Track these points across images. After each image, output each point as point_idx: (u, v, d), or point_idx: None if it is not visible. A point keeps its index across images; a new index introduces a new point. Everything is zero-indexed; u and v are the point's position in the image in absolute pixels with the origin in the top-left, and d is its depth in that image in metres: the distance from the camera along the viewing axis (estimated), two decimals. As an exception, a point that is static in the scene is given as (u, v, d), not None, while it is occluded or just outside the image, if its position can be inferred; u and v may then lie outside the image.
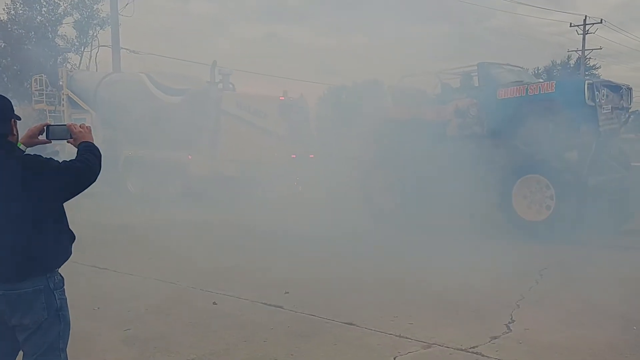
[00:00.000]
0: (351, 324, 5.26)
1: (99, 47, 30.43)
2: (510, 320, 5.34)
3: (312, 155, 14.18)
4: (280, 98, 14.37)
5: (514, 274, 7.17)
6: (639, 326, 5.19)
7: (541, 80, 10.54)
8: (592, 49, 40.24)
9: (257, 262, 7.79)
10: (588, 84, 9.71)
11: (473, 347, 4.63)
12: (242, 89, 15.13)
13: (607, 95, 9.85)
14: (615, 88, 10.21)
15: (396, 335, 4.94)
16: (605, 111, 9.80)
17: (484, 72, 11.03)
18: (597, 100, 9.63)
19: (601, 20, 39.10)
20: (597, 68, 43.97)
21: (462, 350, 4.59)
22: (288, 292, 6.29)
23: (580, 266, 7.83)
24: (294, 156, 13.85)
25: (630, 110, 10.87)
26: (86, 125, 2.95)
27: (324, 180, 13.31)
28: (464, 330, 5.04)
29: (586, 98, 9.54)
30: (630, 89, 10.67)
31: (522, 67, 12.07)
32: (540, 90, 10.14)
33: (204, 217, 11.66)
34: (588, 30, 39.74)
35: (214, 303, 5.93)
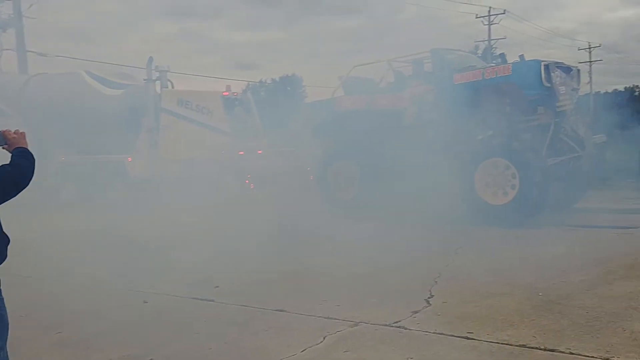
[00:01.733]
0: (281, 310, 5.48)
1: (1, 50, 28.95)
2: (429, 296, 5.72)
3: (260, 151, 13.92)
4: (224, 94, 14.09)
5: (434, 253, 7.63)
6: (544, 292, 5.70)
7: (494, 64, 10.67)
8: (498, 39, 42.33)
9: (187, 260, 7.84)
10: (544, 65, 9.72)
11: (396, 322, 4.96)
12: (181, 86, 14.79)
13: (560, 77, 9.95)
14: (566, 69, 10.32)
15: (325, 317, 5.20)
16: (560, 92, 9.92)
17: (438, 58, 11.02)
18: (553, 82, 9.71)
19: (504, 11, 41.23)
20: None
21: (386, 325, 4.91)
22: (218, 287, 6.42)
23: (493, 244, 8.40)
24: (242, 153, 13.55)
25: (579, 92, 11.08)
26: (20, 131, 2.99)
27: (277, 176, 13.24)
28: (388, 308, 5.37)
29: (543, 79, 9.59)
30: (579, 70, 10.89)
31: (470, 52, 12.23)
32: (497, 74, 10.14)
33: (136, 219, 11.44)
34: (493, 20, 41.76)
35: (145, 302, 5.98)
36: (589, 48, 51.60)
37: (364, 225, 9.80)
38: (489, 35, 42.06)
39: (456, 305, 5.39)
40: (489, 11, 41.72)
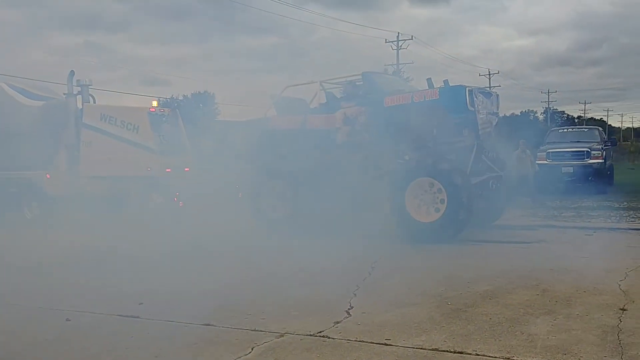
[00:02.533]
0: (209, 324, 5.64)
1: None
2: (349, 307, 6.08)
3: (187, 169, 13.64)
4: (151, 110, 13.71)
5: (352, 268, 8.02)
6: (453, 302, 6.20)
7: (425, 89, 10.90)
8: (406, 63, 44.19)
9: (109, 278, 7.78)
10: (469, 90, 10.25)
11: (320, 332, 5.27)
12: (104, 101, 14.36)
13: (482, 101, 10.52)
14: (487, 94, 10.95)
15: (251, 330, 5.42)
16: (481, 116, 10.46)
17: (369, 80, 11.38)
18: (476, 106, 10.26)
19: (412, 36, 43.20)
20: (411, 80, 48.22)
21: (311, 335, 5.20)
22: (142, 303, 6.47)
23: (407, 258, 8.93)
24: (169, 170, 13.21)
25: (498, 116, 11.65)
26: None
27: (208, 194, 13.06)
28: (311, 319, 5.67)
29: (467, 104, 10.13)
30: (498, 95, 11.53)
31: (398, 76, 12.70)
32: (425, 97, 10.60)
33: (55, 238, 11.11)
34: (401, 45, 43.60)
35: (67, 319, 5.95)
36: (489, 74, 54.95)
37: (288, 243, 10.11)
38: (398, 59, 43.87)
39: (374, 315, 5.77)
40: (398, 36, 43.60)
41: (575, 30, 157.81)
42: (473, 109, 10.25)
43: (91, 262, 8.97)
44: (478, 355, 4.61)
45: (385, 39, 43.84)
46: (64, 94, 13.81)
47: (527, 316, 5.60)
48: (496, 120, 11.28)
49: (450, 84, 10.80)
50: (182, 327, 5.62)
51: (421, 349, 4.78)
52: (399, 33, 43.59)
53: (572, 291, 6.48)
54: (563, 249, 9.35)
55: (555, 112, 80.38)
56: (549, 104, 76.46)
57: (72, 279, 7.84)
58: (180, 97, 50.60)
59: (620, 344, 4.78)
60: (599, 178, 18.42)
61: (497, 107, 11.43)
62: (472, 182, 10.16)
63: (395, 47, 43.68)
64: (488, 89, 11.25)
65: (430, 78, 11.12)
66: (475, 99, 10.27)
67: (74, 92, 13.59)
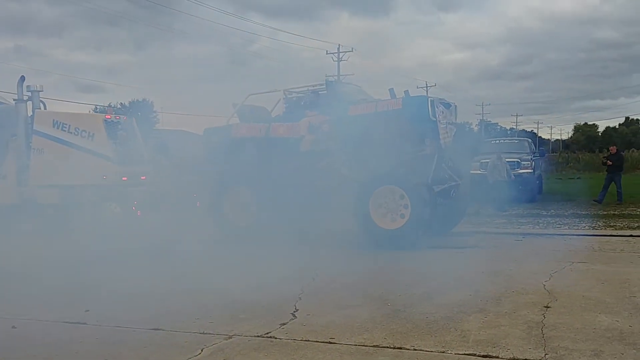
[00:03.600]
0: (157, 329, 5.76)
1: None
2: (295, 310, 6.33)
3: (143, 177, 13.34)
4: (106, 117, 13.33)
5: (298, 273, 8.26)
6: (392, 302, 6.55)
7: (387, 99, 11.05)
8: (347, 75, 44.95)
9: (52, 286, 7.72)
10: (430, 101, 10.48)
11: (267, 333, 5.50)
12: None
13: (442, 111, 10.73)
14: (447, 105, 11.14)
15: (200, 333, 5.58)
16: (442, 125, 10.67)
17: (332, 90, 11.58)
18: (437, 116, 10.46)
19: (352, 48, 44.08)
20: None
21: (258, 336, 5.42)
22: (89, 310, 6.50)
23: (351, 263, 9.26)
24: (125, 179, 12.85)
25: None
26: None
27: (165, 203, 12.94)
28: (258, 322, 5.89)
29: (429, 114, 10.33)
30: (456, 106, 11.80)
31: (359, 86, 12.62)
32: (388, 107, 10.79)
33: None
34: (342, 57, 44.41)
35: (13, 327, 5.94)
36: (426, 87, 56.52)
37: (243, 249, 10.30)
38: (338, 71, 44.64)
39: (319, 317, 6.04)
40: (339, 48, 44.40)
41: (507, 46, 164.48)
42: (435, 119, 10.49)
43: (36, 269, 8.86)
44: (415, 350, 4.95)
45: (327, 50, 44.61)
46: (14, 99, 13.36)
47: (460, 314, 6.00)
48: (454, 130, 11.60)
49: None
50: (131, 332, 5.72)
51: (363, 345, 5.09)
52: (339, 45, 44.44)
53: (502, 291, 6.96)
54: (495, 254, 9.93)
55: (489, 123, 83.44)
56: (483, 116, 79.38)
57: (16, 288, 7.75)
58: (118, 105, 49.70)
59: (543, 337, 5.23)
60: (528, 187, 19.38)
61: (455, 118, 11.76)
62: (435, 189, 10.44)
63: (336, 59, 44.45)
64: (446, 100, 11.54)
65: (408, 90, 11.29)
66: (436, 109, 10.51)
67: (24, 98, 13.15)
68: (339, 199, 10.86)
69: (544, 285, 7.27)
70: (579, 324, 5.59)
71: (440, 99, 11.15)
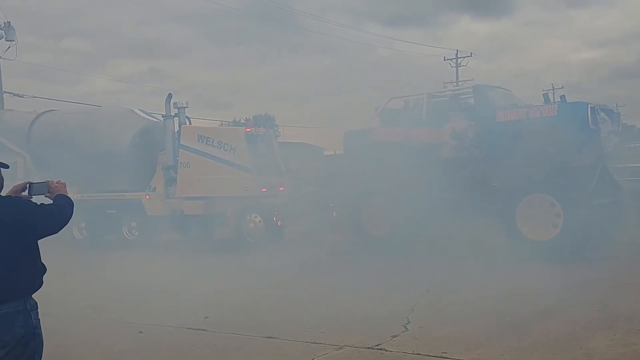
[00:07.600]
0: (271, 337, 5.89)
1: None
2: (407, 322, 6.21)
3: (282, 188, 13.56)
4: (247, 130, 13.64)
5: (411, 285, 8.08)
6: (511, 317, 6.23)
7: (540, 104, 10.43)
8: (465, 80, 43.77)
9: (175, 291, 8.17)
10: (591, 108, 9.71)
11: (378, 345, 5.43)
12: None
13: (604, 119, 9.95)
14: (609, 112, 10.37)
15: (311, 342, 5.64)
16: (603, 134, 9.92)
17: (480, 94, 11.03)
18: (598, 124, 9.72)
19: (471, 53, 42.86)
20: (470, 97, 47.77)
21: (369, 348, 5.38)
22: (208, 317, 6.79)
23: (475, 276, 8.79)
24: (265, 190, 13.10)
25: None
26: (61, 181, 3.45)
27: (303, 212, 13.27)
28: (369, 333, 5.84)
29: (589, 121, 9.60)
30: (619, 114, 11.03)
31: (510, 90, 11.94)
32: (541, 114, 10.12)
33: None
34: (460, 63, 43.33)
35: (140, 332, 6.34)
36: (552, 89, 53.49)
37: (365, 260, 10.34)
38: (457, 77, 43.56)
39: (431, 330, 5.88)
40: (457, 54, 43.34)
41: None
42: (595, 128, 9.72)
43: (163, 278, 9.35)
44: (534, 368, 4.66)
45: (444, 57, 43.67)
46: (162, 115, 13.99)
47: (586, 331, 5.57)
48: (616, 140, 10.67)
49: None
50: (246, 340, 5.90)
51: (477, 361, 4.87)
52: (457, 50, 43.35)
53: (637, 307, 6.36)
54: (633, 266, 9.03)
55: (625, 126, 77.39)
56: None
57: (139, 293, 8.24)
58: (243, 120, 51.85)
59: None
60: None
61: (619, 126, 10.84)
62: (594, 203, 9.60)
63: (455, 65, 43.45)
64: (607, 105, 10.64)
65: (564, 95, 10.60)
66: (597, 116, 9.75)
67: (172, 114, 13.75)
68: (483, 208, 10.15)
69: None
70: None
71: (602, 105, 10.35)
